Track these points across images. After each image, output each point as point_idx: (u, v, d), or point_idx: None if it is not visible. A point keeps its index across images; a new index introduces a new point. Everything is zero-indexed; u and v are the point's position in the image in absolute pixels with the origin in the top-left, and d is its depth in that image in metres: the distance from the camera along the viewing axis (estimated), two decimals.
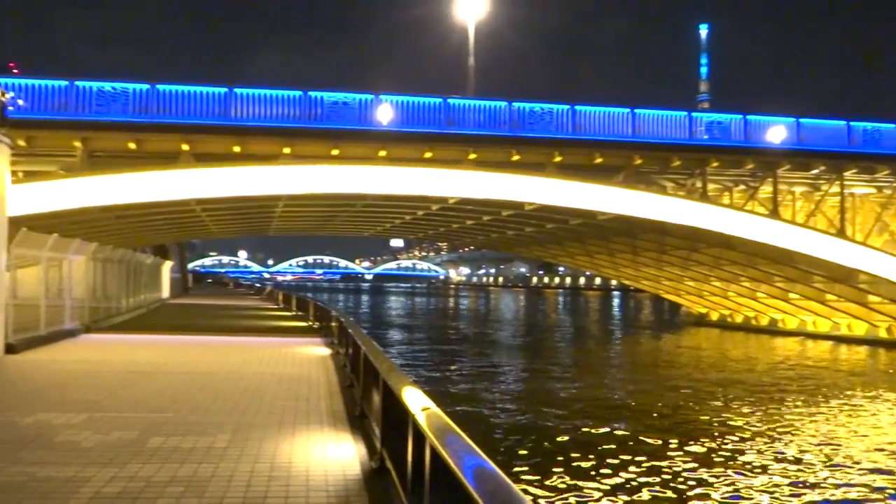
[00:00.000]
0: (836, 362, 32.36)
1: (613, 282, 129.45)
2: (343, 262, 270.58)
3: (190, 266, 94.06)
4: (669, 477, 12.88)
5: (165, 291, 46.43)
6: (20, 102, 23.96)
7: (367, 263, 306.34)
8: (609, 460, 13.87)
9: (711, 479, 12.84)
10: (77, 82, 25.34)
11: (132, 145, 26.39)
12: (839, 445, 15.92)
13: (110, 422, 7.93)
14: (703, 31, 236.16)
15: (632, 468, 13.31)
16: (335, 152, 28.16)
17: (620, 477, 12.78)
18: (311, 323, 24.61)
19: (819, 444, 15.91)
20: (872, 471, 13.83)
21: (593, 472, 13.02)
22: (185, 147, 26.53)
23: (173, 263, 54.29)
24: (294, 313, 31.54)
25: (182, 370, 12.51)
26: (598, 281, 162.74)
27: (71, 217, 28.61)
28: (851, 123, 32.48)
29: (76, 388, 10.28)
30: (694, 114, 31.27)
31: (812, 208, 35.17)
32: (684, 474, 13.08)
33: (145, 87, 25.62)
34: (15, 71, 25.00)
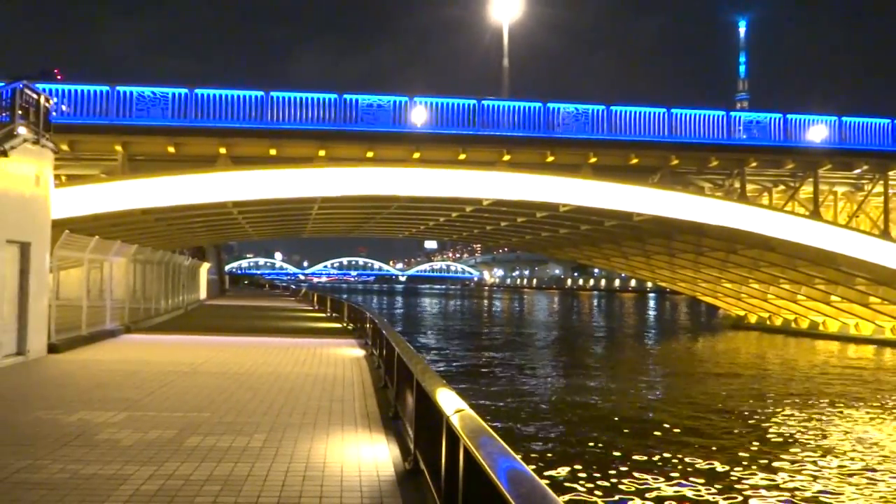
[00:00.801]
0: (881, 368, 31.52)
1: (649, 284, 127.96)
2: (377, 264, 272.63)
3: (227, 268, 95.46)
4: (703, 483, 12.70)
5: (203, 293, 47.18)
6: (63, 108, 24.50)
7: (401, 265, 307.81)
8: (643, 465, 13.74)
9: (744, 488, 12.62)
10: (118, 88, 25.77)
11: (171, 149, 26.83)
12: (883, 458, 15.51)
13: (149, 421, 8.10)
14: (742, 27, 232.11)
15: (669, 476, 13.13)
16: (370, 154, 28.32)
17: (655, 483, 12.63)
18: (345, 324, 24.79)
19: (859, 457, 15.46)
20: None
21: (626, 477, 12.91)
22: (223, 150, 26.89)
23: (211, 265, 55.17)
24: (329, 314, 31.81)
25: (219, 370, 12.68)
26: (633, 283, 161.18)
27: (112, 219, 29.21)
28: None
29: (117, 387, 10.51)
30: (732, 113, 30.75)
31: (854, 209, 34.41)
32: (718, 482, 12.85)
33: (184, 91, 25.97)
34: (59, 77, 25.58)
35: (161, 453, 6.63)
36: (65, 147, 23.64)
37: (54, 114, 17.76)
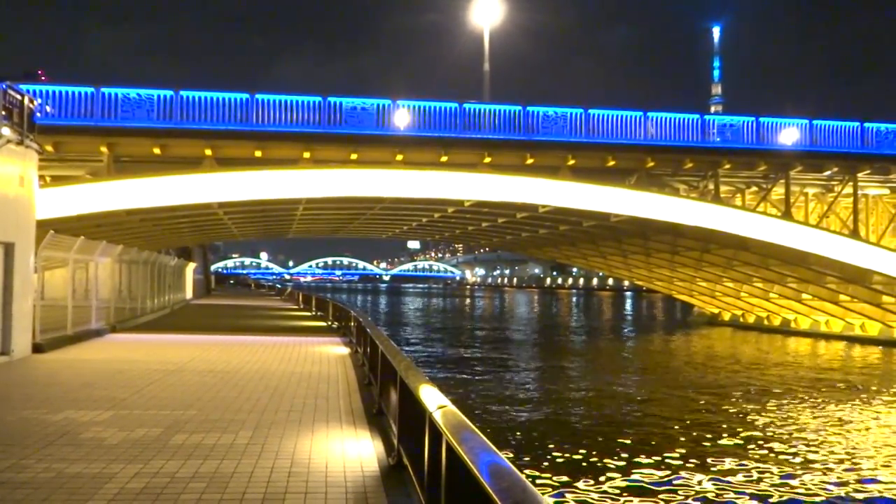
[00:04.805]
0: (850, 362, 32.35)
1: (626, 282, 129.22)
2: (361, 264, 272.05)
3: (213, 267, 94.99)
4: (682, 477, 12.97)
5: (189, 292, 47.16)
6: (48, 109, 24.50)
7: (384, 265, 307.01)
8: (622, 458, 14.05)
9: (724, 479, 12.96)
10: (103, 89, 25.77)
11: (156, 150, 26.95)
12: (861, 446, 15.98)
13: (135, 419, 8.12)
14: (716, 32, 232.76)
15: (645, 468, 13.43)
16: (354, 157, 28.65)
17: (633, 475, 12.91)
18: (330, 323, 25.11)
19: (838, 444, 15.94)
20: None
21: (606, 470, 13.19)
22: (208, 152, 27.04)
23: (196, 265, 55.11)
24: (314, 313, 32.05)
25: (205, 369, 12.73)
26: (610, 281, 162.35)
27: (97, 220, 29.27)
28: (865, 124, 32.28)
29: (102, 386, 10.46)
30: (706, 116, 31.33)
31: (825, 209, 35.19)
32: (697, 475, 13.15)
33: (169, 93, 26.09)
34: (43, 78, 25.60)
35: (147, 451, 6.64)
36: (49, 148, 23.63)
37: (38, 115, 17.65)
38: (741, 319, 51.66)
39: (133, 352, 15.35)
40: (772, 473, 13.44)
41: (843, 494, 12.39)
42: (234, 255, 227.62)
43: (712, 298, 52.36)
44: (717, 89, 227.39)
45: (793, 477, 13.25)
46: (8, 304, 13.53)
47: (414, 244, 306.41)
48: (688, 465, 13.74)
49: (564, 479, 12.61)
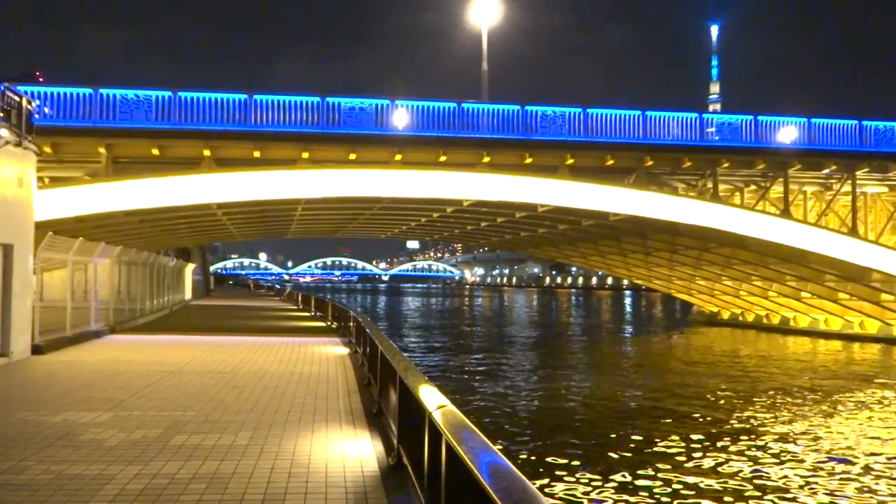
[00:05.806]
0: (850, 360, 32.39)
1: (625, 281, 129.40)
2: (361, 264, 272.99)
3: (212, 268, 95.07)
4: (682, 477, 12.94)
5: (188, 293, 47.22)
6: (46, 110, 24.49)
7: (384, 265, 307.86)
8: (622, 458, 14.07)
9: (725, 480, 12.98)
10: (101, 90, 25.73)
11: (155, 151, 26.93)
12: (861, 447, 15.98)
13: (135, 420, 8.14)
14: (714, 31, 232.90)
15: (646, 467, 13.41)
16: (352, 157, 28.63)
17: (633, 475, 12.89)
18: (329, 323, 25.17)
19: (838, 444, 15.95)
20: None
21: (606, 470, 13.18)
22: (207, 152, 27.01)
23: (196, 266, 55.17)
24: (313, 314, 32.12)
25: (204, 370, 12.76)
26: (609, 281, 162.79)
27: (96, 221, 29.27)
28: (864, 122, 32.27)
29: (101, 387, 10.49)
30: (705, 115, 31.31)
31: (823, 207, 35.20)
32: (698, 475, 13.15)
33: (167, 94, 26.06)
34: (41, 79, 25.56)
35: (146, 452, 6.66)
36: (48, 149, 23.69)
37: (37, 116, 17.68)
38: (740, 318, 51.69)
39: (132, 353, 15.38)
40: (770, 473, 13.46)
41: (843, 494, 12.39)
42: (233, 256, 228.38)
43: (711, 297, 52.37)
44: (715, 88, 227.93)
45: (791, 476, 13.27)
46: (7, 305, 13.55)
47: (413, 244, 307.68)
48: (688, 465, 13.76)
49: (564, 480, 12.61)
